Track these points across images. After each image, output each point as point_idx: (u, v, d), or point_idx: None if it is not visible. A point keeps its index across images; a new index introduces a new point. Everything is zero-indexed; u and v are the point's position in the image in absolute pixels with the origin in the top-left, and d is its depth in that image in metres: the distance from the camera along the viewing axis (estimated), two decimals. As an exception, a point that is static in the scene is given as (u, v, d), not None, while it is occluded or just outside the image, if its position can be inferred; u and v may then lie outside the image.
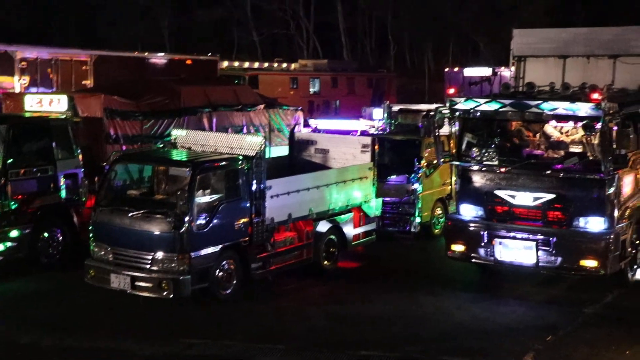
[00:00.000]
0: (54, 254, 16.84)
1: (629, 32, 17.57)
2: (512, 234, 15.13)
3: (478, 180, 15.72)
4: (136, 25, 60.12)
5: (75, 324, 13.56)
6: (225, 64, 36.97)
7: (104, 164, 16.05)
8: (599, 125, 14.05)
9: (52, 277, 16.20)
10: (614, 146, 14.24)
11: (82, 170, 17.17)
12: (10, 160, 15.88)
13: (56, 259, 16.85)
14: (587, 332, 13.37)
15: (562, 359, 12.10)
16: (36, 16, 57.58)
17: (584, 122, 14.18)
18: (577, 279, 15.63)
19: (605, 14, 51.68)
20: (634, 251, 15.57)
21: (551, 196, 14.93)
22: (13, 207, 15.93)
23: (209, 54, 36.36)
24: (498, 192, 15.42)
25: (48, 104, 18.19)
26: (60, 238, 16.91)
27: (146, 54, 31.34)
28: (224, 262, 14.49)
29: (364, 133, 22.51)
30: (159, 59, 31.05)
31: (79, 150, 17.23)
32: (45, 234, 16.67)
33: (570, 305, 14.69)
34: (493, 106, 15.12)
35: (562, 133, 15.74)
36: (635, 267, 15.84)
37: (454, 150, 16.10)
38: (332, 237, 16.82)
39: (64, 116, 17.54)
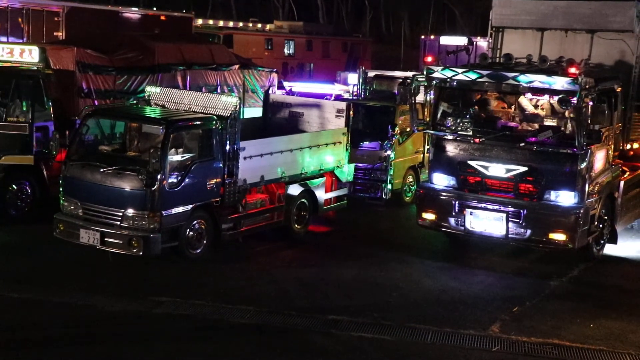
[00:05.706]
0: (23, 206, 16.69)
1: (608, 7, 17.47)
2: (483, 205, 15.20)
3: (451, 149, 15.74)
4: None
5: (43, 278, 13.47)
6: (199, 21, 36.54)
7: (76, 118, 15.85)
8: (574, 100, 14.10)
9: (20, 230, 16.06)
10: (589, 121, 14.31)
11: (53, 123, 16.93)
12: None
13: (25, 212, 16.70)
14: (553, 304, 13.52)
15: (527, 329, 12.21)
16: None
17: (560, 95, 14.23)
18: (545, 251, 15.78)
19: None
20: (601, 226, 15.74)
21: (523, 169, 15.00)
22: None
23: (184, 10, 35.90)
24: (471, 163, 15.47)
25: (19, 54, 17.90)
26: (29, 191, 16.74)
27: (120, 7, 30.80)
28: (195, 222, 14.44)
29: (338, 98, 22.43)
30: (133, 13, 30.56)
31: (50, 103, 16.97)
32: (14, 187, 16.48)
33: (537, 278, 14.85)
34: (470, 76, 15.12)
35: (537, 107, 15.78)
36: (602, 242, 16.03)
37: (428, 119, 16.12)
38: (304, 200, 16.82)
39: (35, 68, 17.27)
